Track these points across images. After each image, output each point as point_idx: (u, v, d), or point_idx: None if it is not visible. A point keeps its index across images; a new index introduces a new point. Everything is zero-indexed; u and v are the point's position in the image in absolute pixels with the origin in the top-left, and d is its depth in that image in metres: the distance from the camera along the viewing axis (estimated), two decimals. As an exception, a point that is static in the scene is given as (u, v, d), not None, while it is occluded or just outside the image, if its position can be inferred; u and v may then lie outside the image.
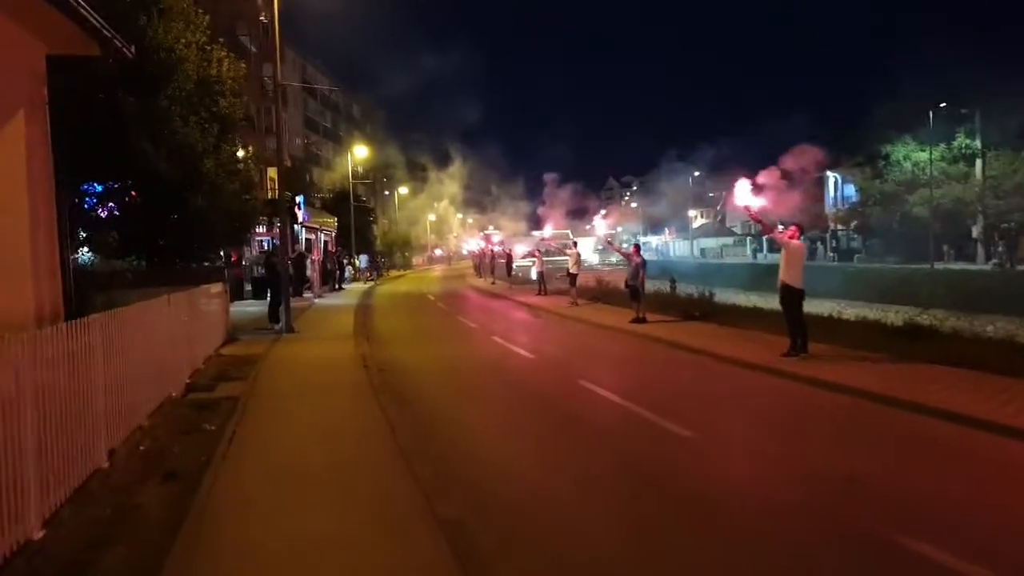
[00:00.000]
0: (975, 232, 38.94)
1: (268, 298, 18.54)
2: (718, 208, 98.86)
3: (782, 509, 5.21)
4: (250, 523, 4.99)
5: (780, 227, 11.79)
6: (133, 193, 15.30)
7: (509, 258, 39.54)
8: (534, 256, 31.35)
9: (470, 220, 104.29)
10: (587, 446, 7.09)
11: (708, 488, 5.73)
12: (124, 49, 8.39)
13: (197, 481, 5.76)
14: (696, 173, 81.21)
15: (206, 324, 12.73)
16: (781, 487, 5.70)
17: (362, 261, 50.57)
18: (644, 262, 17.33)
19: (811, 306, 24.33)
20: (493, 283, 40.35)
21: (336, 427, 7.69)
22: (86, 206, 16.16)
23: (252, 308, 22.81)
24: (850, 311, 26.43)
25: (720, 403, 9.04)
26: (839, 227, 54.03)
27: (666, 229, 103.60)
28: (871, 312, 28.65)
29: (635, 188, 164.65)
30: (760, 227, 13.85)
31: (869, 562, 4.39)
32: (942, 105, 36.67)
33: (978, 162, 38.63)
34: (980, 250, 38.61)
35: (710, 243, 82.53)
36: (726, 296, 25.82)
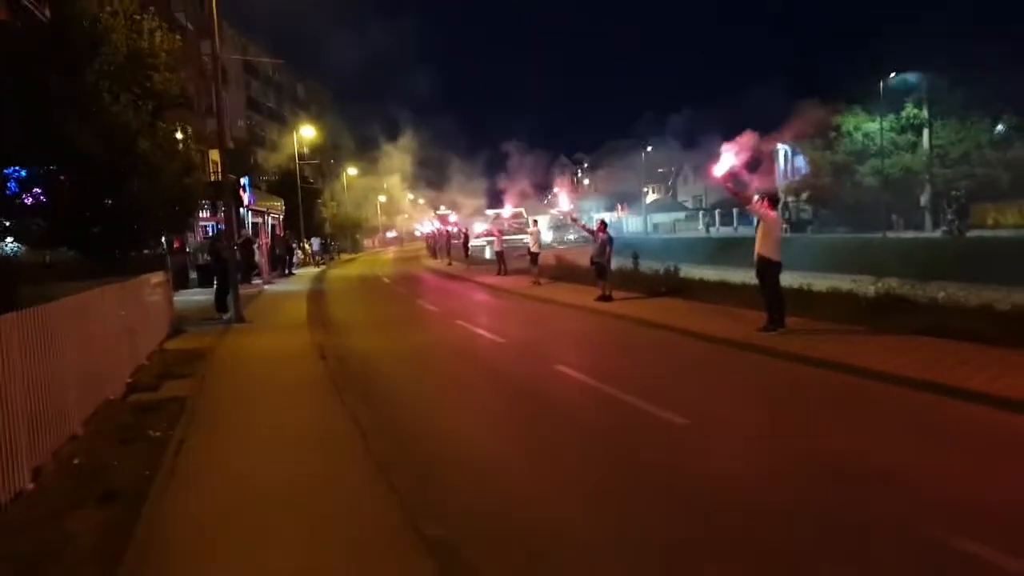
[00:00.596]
0: (923, 200, 39.62)
1: (215, 286, 17.48)
2: (669, 183, 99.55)
3: (806, 509, 4.72)
4: (203, 557, 4.27)
5: (756, 198, 11.37)
6: (62, 177, 14.08)
7: (466, 238, 38.73)
8: (493, 235, 30.63)
9: (421, 200, 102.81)
10: (578, 441, 6.51)
11: (717, 484, 5.21)
12: (36, 11, 7.39)
13: (140, 503, 5.00)
14: (648, 149, 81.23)
15: (148, 317, 11.76)
16: (795, 481, 5.22)
17: (314, 245, 49.20)
18: (610, 239, 16.83)
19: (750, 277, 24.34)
20: (450, 264, 39.59)
21: (298, 431, 6.96)
22: (8, 192, 14.87)
23: (199, 297, 21.64)
24: (813, 282, 26.56)
25: (706, 385, 8.58)
26: (791, 198, 54.56)
27: (618, 205, 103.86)
28: (827, 282, 28.92)
29: (586, 165, 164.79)
30: (736, 199, 13.44)
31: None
32: (892, 75, 37.01)
33: (925, 132, 39.19)
34: (928, 218, 39.31)
35: (662, 218, 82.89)
36: (687, 271, 25.60)
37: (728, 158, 11.37)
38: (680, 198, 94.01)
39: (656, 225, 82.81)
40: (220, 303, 17.22)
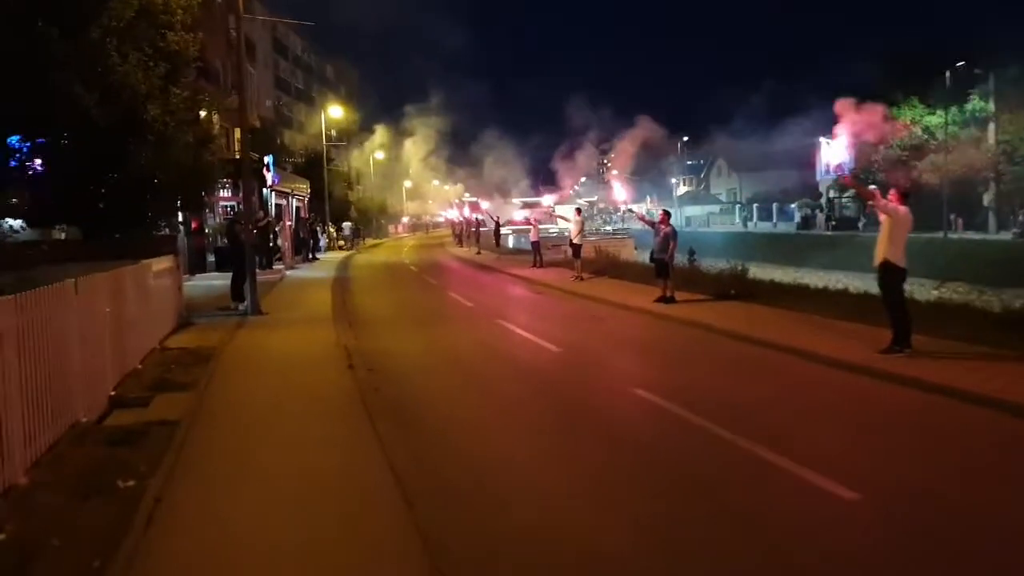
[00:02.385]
0: (987, 200, 37.04)
1: (232, 273, 15.81)
2: (702, 176, 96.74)
3: None
4: None
5: (874, 189, 9.42)
6: (63, 142, 12.45)
7: (497, 227, 36.92)
8: (529, 224, 28.76)
9: (447, 187, 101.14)
10: (714, 523, 4.58)
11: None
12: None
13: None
14: (685, 138, 78.72)
15: (147, 309, 10.06)
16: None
17: (345, 230, 47.89)
18: (674, 232, 14.88)
19: (824, 280, 22.13)
20: (478, 253, 37.78)
21: (319, 481, 5.17)
22: (11, 163, 13.28)
23: (216, 282, 20.02)
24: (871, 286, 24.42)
25: (853, 431, 6.55)
26: (838, 196, 52.02)
27: (647, 197, 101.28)
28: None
29: (613, 155, 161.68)
30: (859, 193, 11.48)
31: None
32: (959, 64, 34.39)
33: (991, 126, 36.58)
34: (992, 219, 36.75)
35: (695, 211, 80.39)
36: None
37: (840, 140, 9.42)
38: (713, 191, 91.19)
39: (689, 219, 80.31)
40: (236, 291, 15.54)
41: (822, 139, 60.75)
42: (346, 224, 49.80)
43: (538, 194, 45.41)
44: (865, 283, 25.16)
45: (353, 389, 7.89)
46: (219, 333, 12.02)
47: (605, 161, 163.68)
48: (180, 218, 21.99)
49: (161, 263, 11.81)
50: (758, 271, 21.58)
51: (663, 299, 14.63)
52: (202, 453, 5.78)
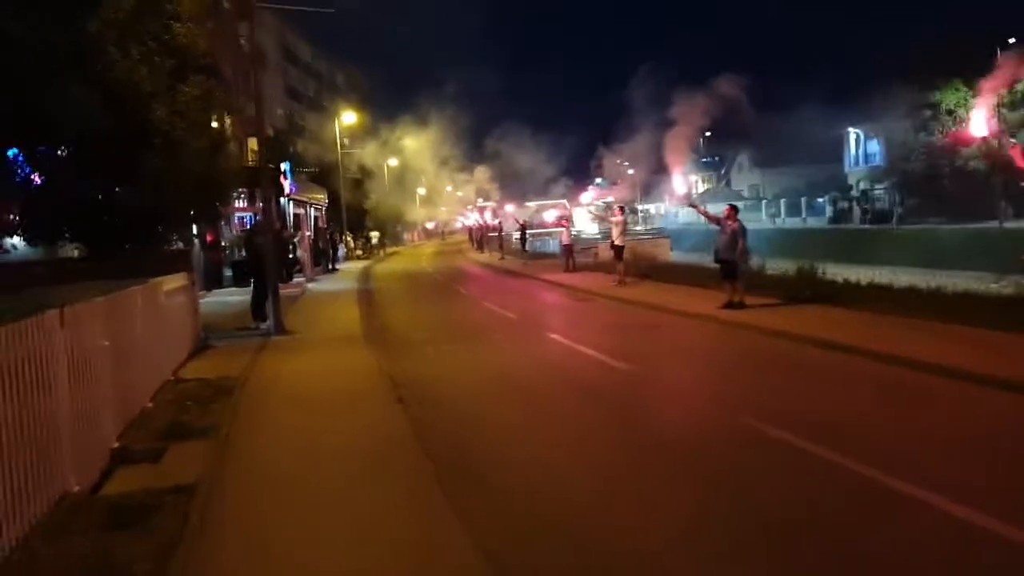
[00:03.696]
0: (1035, 186, 35.04)
1: (252, 289, 14.46)
2: (723, 172, 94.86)
3: None
4: None
5: None
6: (59, 152, 11.15)
7: (523, 230, 35.50)
8: (561, 226, 27.29)
9: (459, 193, 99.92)
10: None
11: None
12: None
13: None
14: (708, 133, 76.93)
15: (158, 335, 8.68)
16: None
17: (372, 239, 48.22)
18: (743, 229, 13.32)
19: (887, 277, 20.43)
20: (502, 258, 36.37)
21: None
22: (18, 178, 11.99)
23: (234, 298, 18.73)
24: (937, 281, 22.71)
25: (1001, 456, 5.12)
26: (873, 187, 50.08)
27: (666, 195, 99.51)
28: (944, 280, 24.91)
29: (623, 154, 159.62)
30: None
31: None
32: (1011, 41, 32.44)
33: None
34: (1044, 207, 34.76)
35: (716, 208, 78.35)
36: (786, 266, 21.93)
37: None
38: (734, 187, 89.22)
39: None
40: (257, 309, 14.19)
41: (851, 129, 59.16)
42: (373, 233, 49.35)
43: (575, 192, 44.06)
44: (937, 279, 23.46)
45: (408, 432, 6.41)
46: (241, 358, 10.63)
47: (621, 161, 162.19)
48: (195, 231, 20.76)
49: (174, 281, 10.46)
50: (843, 272, 19.89)
51: (730, 304, 13.09)
52: (221, 543, 4.32)
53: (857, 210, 48.24)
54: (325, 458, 5.91)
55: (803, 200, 58.07)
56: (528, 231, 36.54)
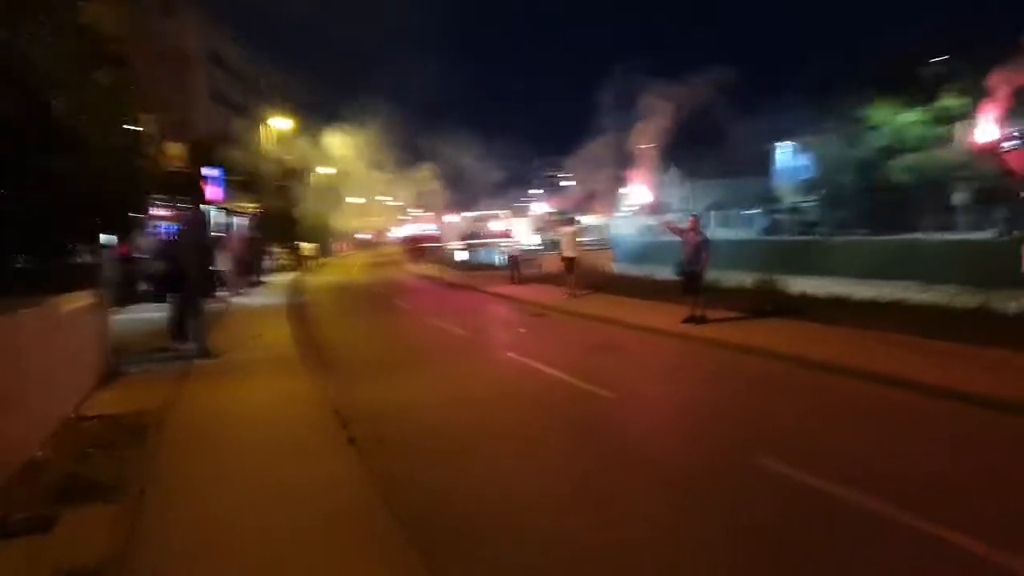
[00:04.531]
0: (956, 199, 36.20)
1: (169, 306, 12.88)
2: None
3: None
4: None
5: None
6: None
7: (468, 240, 34.38)
8: (507, 236, 26.36)
9: (390, 201, 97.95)
10: None
11: None
12: None
13: None
14: (641, 146, 77.64)
15: (53, 366, 7.24)
16: None
17: (304, 249, 46.41)
18: (706, 241, 12.67)
19: (813, 285, 20.37)
20: (441, 270, 35.18)
21: None
22: None
23: (151, 314, 16.93)
24: (860, 290, 22.78)
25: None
26: (801, 200, 51.22)
27: (596, 206, 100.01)
28: (877, 290, 25.09)
29: (559, 165, 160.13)
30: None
31: None
32: (932, 60, 33.45)
33: (958, 124, 35.80)
34: (961, 219, 35.89)
35: (649, 221, 79.12)
36: (735, 278, 21.53)
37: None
38: (663, 200, 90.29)
39: (650, 227, 78.90)
40: (176, 328, 12.64)
41: (777, 144, 60.58)
42: (307, 244, 47.57)
43: (513, 203, 43.29)
44: (873, 289, 23.45)
45: (368, 486, 5.25)
46: (157, 388, 9.19)
47: (554, 172, 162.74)
48: (106, 241, 18.85)
49: (77, 299, 8.96)
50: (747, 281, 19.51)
51: (692, 319, 12.41)
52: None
53: (789, 222, 49.17)
54: (269, 528, 4.71)
55: (736, 212, 59.00)
56: (471, 241, 35.43)
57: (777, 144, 59.68)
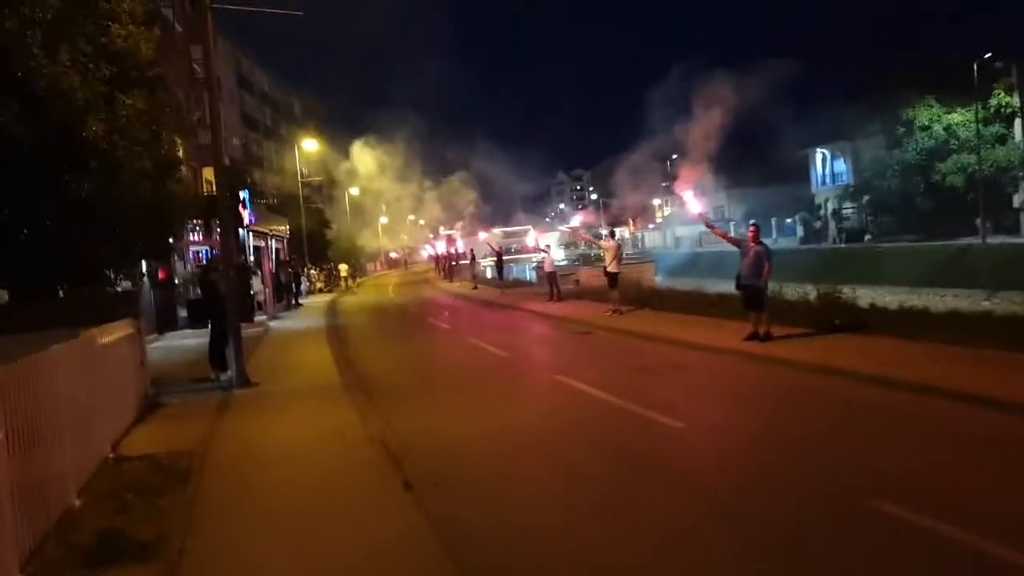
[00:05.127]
0: (1017, 201, 34.71)
1: (209, 333, 12.54)
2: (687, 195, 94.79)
3: None
4: None
5: None
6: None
7: (499, 257, 33.94)
8: (543, 252, 25.80)
9: (422, 221, 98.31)
10: None
11: None
12: None
13: None
14: (674, 156, 76.81)
15: (91, 402, 6.81)
16: None
17: (343, 271, 46.70)
18: (768, 252, 11.93)
19: (868, 295, 19.28)
20: (475, 288, 34.73)
21: None
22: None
23: (189, 342, 16.74)
24: (919, 300, 21.72)
25: None
26: (841, 206, 49.86)
27: (629, 219, 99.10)
28: (930, 300, 23.91)
29: (583, 180, 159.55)
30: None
31: None
32: (987, 56, 32.12)
33: (1017, 121, 34.41)
34: (1024, 221, 34.41)
35: (685, 231, 78.09)
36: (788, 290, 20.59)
37: None
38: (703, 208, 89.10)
39: (678, 239, 77.88)
40: (216, 357, 12.27)
41: (817, 149, 59.22)
42: (342, 265, 47.93)
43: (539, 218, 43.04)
44: (926, 298, 22.30)
45: (435, 546, 4.66)
46: (198, 422, 8.75)
47: (578, 187, 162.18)
48: (144, 267, 18.73)
49: (116, 330, 8.59)
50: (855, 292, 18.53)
51: (755, 336, 11.66)
52: None
53: (832, 229, 47.74)
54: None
55: (772, 221, 57.73)
56: (502, 258, 34.95)
57: (817, 149, 58.40)
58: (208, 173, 31.91)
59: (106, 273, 11.08)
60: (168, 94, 11.42)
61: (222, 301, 11.89)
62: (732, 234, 13.94)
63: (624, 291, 18.52)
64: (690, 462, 6.42)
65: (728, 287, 22.34)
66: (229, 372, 11.70)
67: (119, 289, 12.09)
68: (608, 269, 18.06)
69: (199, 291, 14.70)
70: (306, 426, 8.41)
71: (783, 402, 8.38)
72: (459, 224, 79.83)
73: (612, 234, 19.08)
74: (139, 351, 10.09)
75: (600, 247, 20.11)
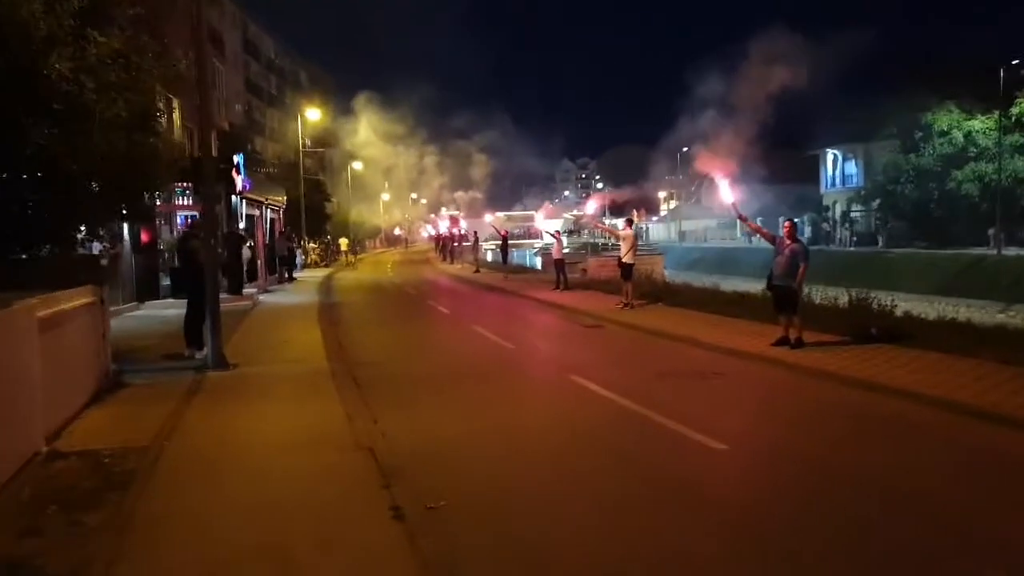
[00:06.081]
0: (1033, 211, 33.55)
1: (187, 305, 11.39)
2: (693, 189, 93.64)
3: None
4: None
5: None
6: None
7: (505, 241, 32.78)
8: (553, 236, 24.64)
9: (423, 200, 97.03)
10: None
11: None
12: None
13: None
14: (685, 149, 75.50)
15: (11, 391, 5.66)
16: None
17: (342, 245, 46.23)
18: (805, 250, 10.80)
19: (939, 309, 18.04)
20: (477, 271, 33.61)
21: None
22: None
23: (170, 312, 15.61)
24: (932, 309, 20.65)
25: None
26: (850, 209, 48.68)
27: (634, 211, 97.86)
28: (976, 311, 22.82)
29: (589, 168, 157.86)
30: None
31: None
32: (1015, 62, 30.91)
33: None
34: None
35: (691, 225, 77.04)
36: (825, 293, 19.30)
37: None
38: (705, 205, 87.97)
39: (684, 233, 76.73)
40: (192, 333, 11.15)
41: (828, 150, 57.91)
42: (342, 240, 47.02)
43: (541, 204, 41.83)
44: (941, 307, 21.21)
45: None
46: (159, 409, 7.62)
47: (583, 175, 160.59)
48: (127, 230, 17.50)
49: (66, 299, 7.43)
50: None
51: (786, 341, 10.56)
52: None
53: (842, 233, 46.52)
54: None
55: (780, 219, 56.55)
56: (505, 241, 33.77)
57: (828, 150, 57.11)
58: (200, 125, 30.57)
59: (71, 234, 9.88)
60: (152, 40, 10.12)
61: (201, 271, 10.74)
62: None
63: (636, 284, 17.38)
64: (744, 496, 5.30)
65: (736, 284, 21.45)
66: (204, 351, 10.57)
67: (86, 252, 10.87)
68: (623, 260, 16.91)
69: (178, 260, 13.53)
70: (283, 422, 7.27)
71: (836, 424, 7.26)
72: (466, 196, 78.45)
73: (630, 222, 17.88)
74: (101, 322, 8.93)
75: (618, 236, 18.95)
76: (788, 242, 10.81)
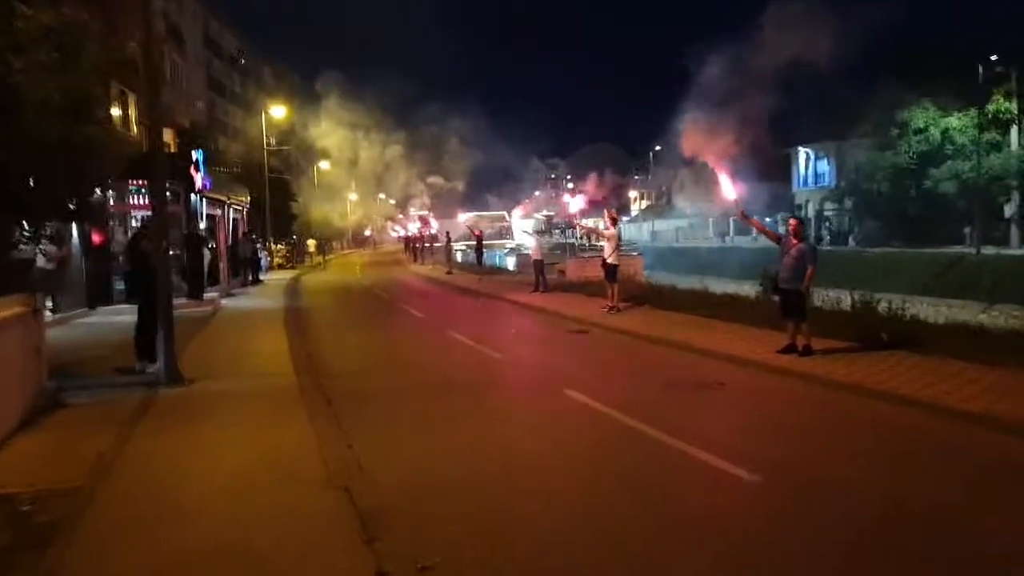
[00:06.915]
0: (1008, 211, 33.58)
1: (138, 314, 10.27)
2: (663, 189, 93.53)
3: None
4: None
5: None
6: None
7: (480, 242, 31.85)
8: (531, 237, 23.74)
9: (392, 200, 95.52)
10: None
11: None
12: None
13: None
14: (658, 148, 75.26)
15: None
16: None
17: (310, 246, 45.62)
18: (813, 250, 10.05)
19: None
20: (450, 272, 32.62)
21: None
22: None
23: (124, 319, 14.35)
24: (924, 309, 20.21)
25: None
26: (823, 207, 48.67)
27: (605, 211, 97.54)
28: (957, 311, 22.50)
29: (559, 169, 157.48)
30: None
31: None
32: (992, 58, 30.82)
33: (1014, 129, 33.24)
34: (1016, 231, 33.31)
35: (662, 225, 76.84)
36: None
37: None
38: (677, 205, 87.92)
39: (655, 233, 76.43)
40: (143, 345, 10.03)
41: (800, 148, 57.93)
42: (310, 241, 45.81)
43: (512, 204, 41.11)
44: (927, 307, 20.78)
45: None
46: (100, 436, 6.56)
47: (552, 175, 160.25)
48: (75, 231, 16.22)
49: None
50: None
51: (794, 349, 9.81)
52: None
53: (817, 232, 46.37)
54: None
55: (780, 217, 56.34)
56: (477, 242, 32.86)
57: (800, 148, 57.11)
58: (169, 135, 29.16)
59: (5, 235, 8.75)
60: (92, 20, 9.03)
61: (153, 275, 9.66)
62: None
63: (619, 286, 16.57)
64: (780, 540, 4.46)
65: (718, 285, 20.76)
66: (157, 364, 9.49)
67: (23, 255, 9.72)
68: (607, 260, 16.08)
69: (128, 265, 12.36)
70: (242, 451, 6.28)
71: (869, 444, 6.48)
72: (440, 182, 77.42)
73: (614, 221, 17.03)
74: (34, 335, 7.84)
75: (601, 235, 18.17)
76: (795, 241, 10.04)
